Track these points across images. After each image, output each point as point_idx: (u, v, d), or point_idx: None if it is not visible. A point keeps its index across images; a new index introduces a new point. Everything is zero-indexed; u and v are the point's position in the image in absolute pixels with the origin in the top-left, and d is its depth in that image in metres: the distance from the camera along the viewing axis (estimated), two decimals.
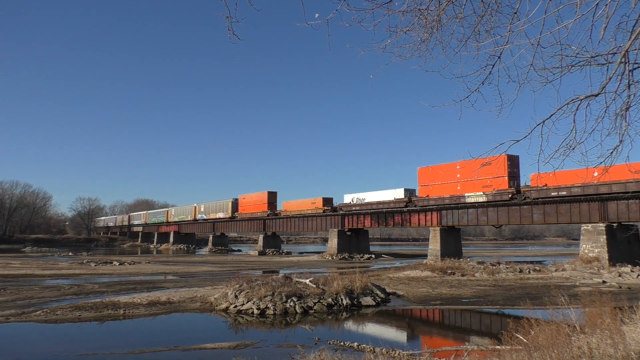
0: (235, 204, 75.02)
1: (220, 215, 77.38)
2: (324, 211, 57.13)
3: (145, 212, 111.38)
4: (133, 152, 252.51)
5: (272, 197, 67.91)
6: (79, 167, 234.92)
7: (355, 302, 17.65)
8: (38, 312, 16.09)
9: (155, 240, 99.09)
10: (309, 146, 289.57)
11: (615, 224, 32.23)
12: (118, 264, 41.32)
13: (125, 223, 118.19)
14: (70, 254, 62.70)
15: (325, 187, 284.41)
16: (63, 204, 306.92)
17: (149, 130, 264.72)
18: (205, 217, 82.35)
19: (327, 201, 58.46)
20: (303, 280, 19.07)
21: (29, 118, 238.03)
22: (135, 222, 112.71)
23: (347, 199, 54.30)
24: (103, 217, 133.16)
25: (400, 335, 14.52)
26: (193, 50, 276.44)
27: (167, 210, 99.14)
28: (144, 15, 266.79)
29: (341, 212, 54.44)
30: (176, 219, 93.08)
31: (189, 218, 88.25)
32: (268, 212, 66.01)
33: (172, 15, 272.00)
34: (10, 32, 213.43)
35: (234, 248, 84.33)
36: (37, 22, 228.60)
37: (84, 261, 44.53)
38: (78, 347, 11.85)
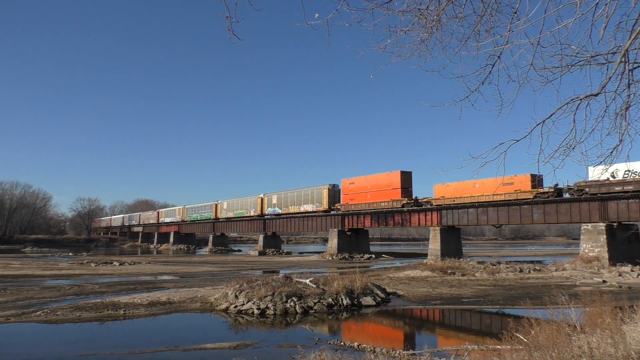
0: (334, 193, 55.96)
1: (308, 208, 58.49)
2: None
3: (181, 207, 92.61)
4: (133, 153, 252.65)
5: (406, 179, 47.63)
6: (79, 168, 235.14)
7: (356, 302, 17.64)
8: (38, 313, 16.09)
9: (155, 241, 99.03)
10: (309, 146, 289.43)
11: (615, 224, 32.23)
12: (118, 264, 41.32)
13: (153, 221, 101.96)
14: (70, 254, 62.70)
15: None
16: (63, 205, 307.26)
17: (148, 131, 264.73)
18: (279, 211, 63.60)
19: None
20: (303, 280, 19.07)
21: (29, 118, 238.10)
22: (167, 220, 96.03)
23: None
24: (139, 212, 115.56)
25: (401, 335, 14.52)
26: (193, 50, 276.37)
27: (217, 204, 79.32)
28: (143, 16, 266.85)
29: (341, 212, 54.20)
30: (230, 215, 74.63)
31: (253, 213, 68.70)
32: (402, 201, 46.32)
33: (172, 15, 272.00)
34: (11, 33, 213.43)
35: (234, 248, 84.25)
36: (37, 23, 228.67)
37: (84, 261, 44.53)
38: (78, 347, 11.84)
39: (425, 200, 46.21)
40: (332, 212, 55.40)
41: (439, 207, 43.25)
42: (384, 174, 50.24)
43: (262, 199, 67.60)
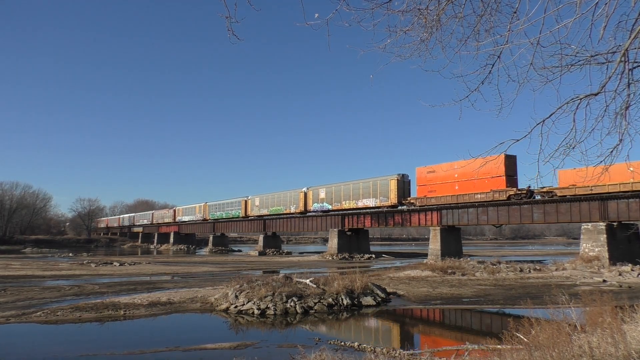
0: (403, 185, 47.31)
1: (369, 203, 49.84)
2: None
3: (202, 204, 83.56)
4: (133, 153, 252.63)
5: (511, 165, 38.40)
6: (79, 168, 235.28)
7: (356, 302, 17.64)
8: (38, 313, 16.09)
9: (155, 241, 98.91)
10: (308, 146, 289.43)
11: (615, 223, 32.22)
12: (118, 264, 41.32)
13: (170, 220, 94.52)
14: (70, 254, 62.72)
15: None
16: (63, 205, 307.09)
17: (148, 131, 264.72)
18: (329, 207, 55.04)
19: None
20: (303, 280, 19.06)
21: (29, 119, 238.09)
22: (186, 219, 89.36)
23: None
24: (151, 211, 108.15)
25: (401, 335, 14.51)
26: (193, 50, 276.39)
27: (246, 200, 70.81)
28: (143, 15, 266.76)
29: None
30: (265, 212, 66.39)
31: (294, 210, 60.59)
32: (508, 192, 37.55)
33: (172, 15, 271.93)
34: (10, 30, 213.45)
35: (234, 248, 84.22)
36: (37, 21, 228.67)
37: (84, 262, 44.53)
38: (78, 347, 11.84)
39: (544, 190, 35.50)
40: (400, 208, 46.55)
41: (439, 206, 43.24)
42: (478, 159, 40.44)
43: (305, 194, 59.21)
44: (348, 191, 52.96)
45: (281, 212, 63.21)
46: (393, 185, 47.36)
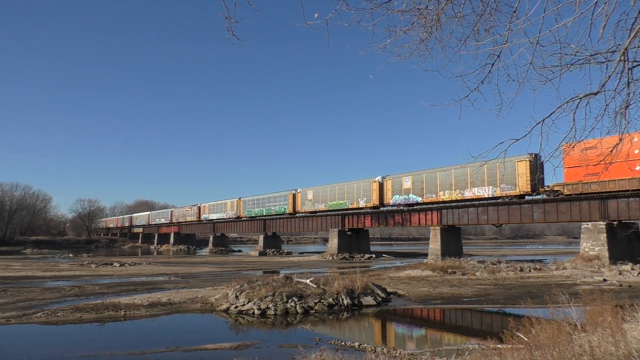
0: (536, 166, 35.66)
1: (482, 192, 39.37)
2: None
3: (234, 199, 73.25)
4: (133, 153, 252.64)
5: None
6: (79, 169, 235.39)
7: (356, 302, 17.64)
8: (39, 314, 16.08)
9: (155, 241, 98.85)
10: (308, 147, 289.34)
11: (615, 222, 32.21)
12: (119, 265, 41.32)
13: (192, 218, 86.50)
14: (70, 255, 62.72)
15: None
16: (63, 206, 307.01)
17: (148, 131, 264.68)
18: (418, 199, 44.71)
19: None
20: (304, 281, 19.06)
21: (29, 119, 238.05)
22: (214, 217, 79.82)
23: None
24: (170, 209, 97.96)
25: (401, 335, 14.51)
26: (192, 50, 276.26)
27: (295, 194, 60.37)
28: (143, 14, 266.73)
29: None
30: (321, 207, 55.94)
31: (364, 204, 49.97)
32: None
33: (171, 14, 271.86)
34: (9, 30, 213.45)
35: (234, 248, 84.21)
36: (37, 21, 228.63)
37: (85, 262, 44.53)
38: (79, 348, 11.84)
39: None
40: (536, 198, 36.50)
41: (438, 206, 43.24)
42: None
43: (380, 184, 48.51)
44: (448, 178, 42.08)
45: (345, 207, 52.72)
46: (523, 168, 36.59)
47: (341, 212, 54.13)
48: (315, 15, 4.41)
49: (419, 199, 44.77)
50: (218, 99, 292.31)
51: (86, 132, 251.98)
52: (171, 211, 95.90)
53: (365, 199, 50.23)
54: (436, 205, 43.92)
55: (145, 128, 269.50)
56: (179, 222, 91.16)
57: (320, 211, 56.81)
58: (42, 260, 51.03)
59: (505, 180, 38.04)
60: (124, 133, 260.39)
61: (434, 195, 43.35)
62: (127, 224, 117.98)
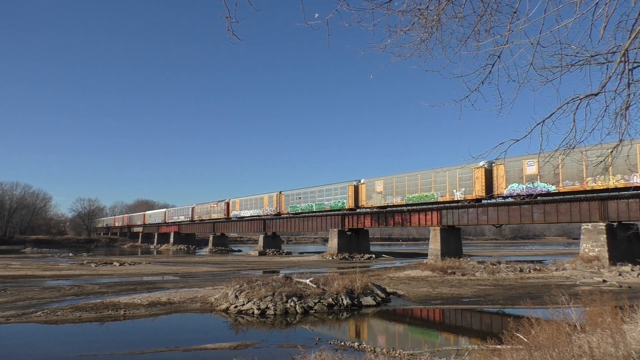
0: None
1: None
2: None
3: (274, 193, 64.19)
4: (133, 154, 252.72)
5: None
6: (79, 168, 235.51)
7: (356, 302, 17.64)
8: (38, 313, 16.08)
9: (155, 241, 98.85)
10: (308, 147, 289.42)
11: (615, 223, 32.21)
12: (118, 264, 41.32)
13: (219, 216, 77.31)
14: (70, 254, 62.68)
15: None
16: (63, 205, 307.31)
17: (148, 131, 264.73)
18: (550, 187, 33.68)
19: None
20: (303, 281, 19.05)
21: (29, 119, 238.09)
22: (246, 214, 70.64)
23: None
24: (190, 205, 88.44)
25: (401, 335, 14.51)
26: (193, 49, 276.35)
27: (358, 185, 51.46)
28: (143, 13, 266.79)
29: (341, 212, 53.82)
30: (397, 201, 46.48)
31: (463, 196, 40.17)
32: None
33: (171, 13, 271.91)
34: (9, 30, 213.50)
35: (234, 248, 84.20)
36: (36, 20, 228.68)
37: (84, 262, 44.52)
38: (78, 348, 11.84)
39: None
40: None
41: (438, 207, 43.24)
42: None
43: (487, 170, 38.81)
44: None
45: (431, 201, 43.22)
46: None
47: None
48: (316, 15, 4.41)
49: (552, 188, 34.13)
50: (218, 98, 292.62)
51: (86, 131, 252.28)
52: (192, 208, 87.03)
53: (463, 189, 40.28)
54: (436, 205, 43.88)
55: (145, 128, 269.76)
56: (201, 220, 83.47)
57: (397, 206, 46.68)
58: (41, 260, 51.02)
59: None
60: (124, 133, 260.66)
61: (576, 183, 32.55)
62: (139, 222, 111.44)
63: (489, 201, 39.34)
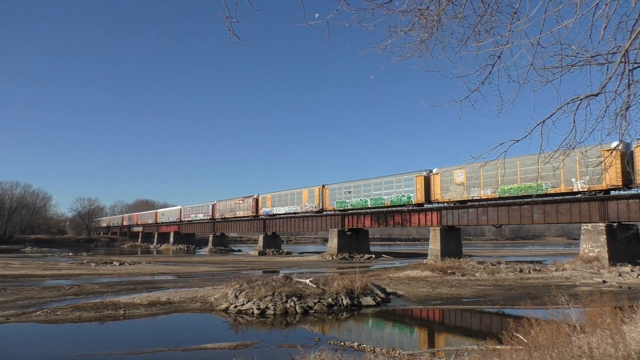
0: None
1: None
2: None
3: (317, 187, 57.61)
4: (133, 153, 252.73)
5: None
6: (79, 168, 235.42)
7: (356, 302, 17.63)
8: (38, 313, 16.08)
9: (155, 241, 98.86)
10: (308, 147, 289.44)
11: (615, 224, 32.21)
12: (118, 264, 41.31)
13: (245, 213, 70.49)
14: (70, 254, 62.68)
15: None
16: (63, 205, 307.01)
17: (148, 131, 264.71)
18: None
19: None
20: (303, 280, 19.05)
21: (29, 119, 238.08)
22: (280, 211, 64.06)
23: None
24: (220, 201, 78.46)
25: (401, 335, 14.51)
26: (192, 51, 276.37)
27: (427, 176, 44.53)
28: (143, 12, 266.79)
29: (341, 212, 54.27)
30: (491, 194, 38.49)
31: (584, 186, 32.09)
32: None
33: (171, 12, 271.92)
34: (9, 27, 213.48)
35: (234, 248, 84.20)
36: (36, 17, 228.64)
37: (84, 261, 44.52)
38: (78, 347, 11.84)
39: None
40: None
41: (439, 207, 43.23)
42: None
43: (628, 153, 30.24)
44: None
45: (542, 192, 35.03)
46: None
47: (340, 212, 53.55)
48: (316, 15, 4.41)
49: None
50: (219, 97, 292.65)
51: (86, 130, 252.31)
52: (213, 205, 79.07)
53: (587, 177, 32.42)
54: (436, 205, 43.82)
55: (145, 127, 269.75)
56: (224, 218, 76.13)
57: (484, 200, 39.57)
58: (41, 259, 51.02)
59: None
60: (124, 132, 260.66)
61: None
62: (150, 221, 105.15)
63: (489, 202, 39.34)
